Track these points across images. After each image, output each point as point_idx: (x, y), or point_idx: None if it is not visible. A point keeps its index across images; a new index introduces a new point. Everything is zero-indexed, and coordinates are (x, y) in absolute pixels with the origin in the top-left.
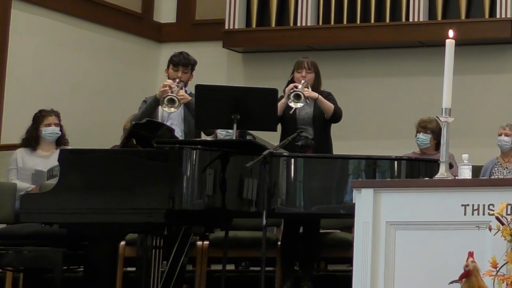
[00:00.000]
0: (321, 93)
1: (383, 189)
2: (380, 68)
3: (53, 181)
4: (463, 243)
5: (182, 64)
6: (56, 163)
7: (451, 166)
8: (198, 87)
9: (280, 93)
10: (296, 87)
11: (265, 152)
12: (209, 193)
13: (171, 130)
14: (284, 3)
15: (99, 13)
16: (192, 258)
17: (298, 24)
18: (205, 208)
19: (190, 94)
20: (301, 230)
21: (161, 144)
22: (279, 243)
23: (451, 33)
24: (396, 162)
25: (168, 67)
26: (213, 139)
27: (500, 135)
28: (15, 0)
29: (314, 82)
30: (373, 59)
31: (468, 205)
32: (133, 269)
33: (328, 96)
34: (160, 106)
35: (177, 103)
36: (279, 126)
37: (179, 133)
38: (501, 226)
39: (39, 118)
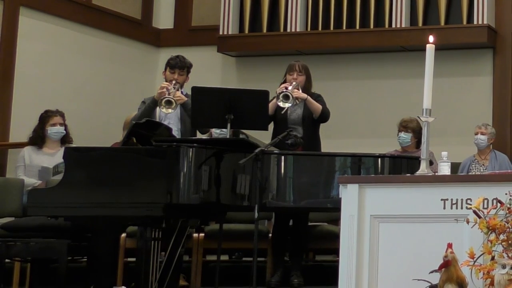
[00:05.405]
0: (311, 95)
1: (368, 184)
2: (364, 71)
3: (58, 177)
4: (443, 235)
5: (178, 66)
6: (61, 160)
7: (431, 163)
8: (194, 89)
9: (272, 95)
10: (286, 87)
11: (257, 150)
12: (204, 188)
13: (169, 129)
14: (275, 10)
15: (101, 19)
16: (188, 249)
17: (288, 30)
18: (201, 202)
19: (186, 95)
20: (290, 223)
21: (160, 142)
22: (270, 235)
23: (431, 38)
24: (379, 159)
25: (165, 69)
26: (208, 137)
27: (476, 134)
28: (23, 7)
29: (305, 84)
30: (358, 62)
31: (447, 199)
32: (134, 259)
33: (318, 98)
34: (158, 107)
35: (174, 104)
36: (270, 126)
37: (176, 132)
38: (478, 219)
39: (45, 118)
